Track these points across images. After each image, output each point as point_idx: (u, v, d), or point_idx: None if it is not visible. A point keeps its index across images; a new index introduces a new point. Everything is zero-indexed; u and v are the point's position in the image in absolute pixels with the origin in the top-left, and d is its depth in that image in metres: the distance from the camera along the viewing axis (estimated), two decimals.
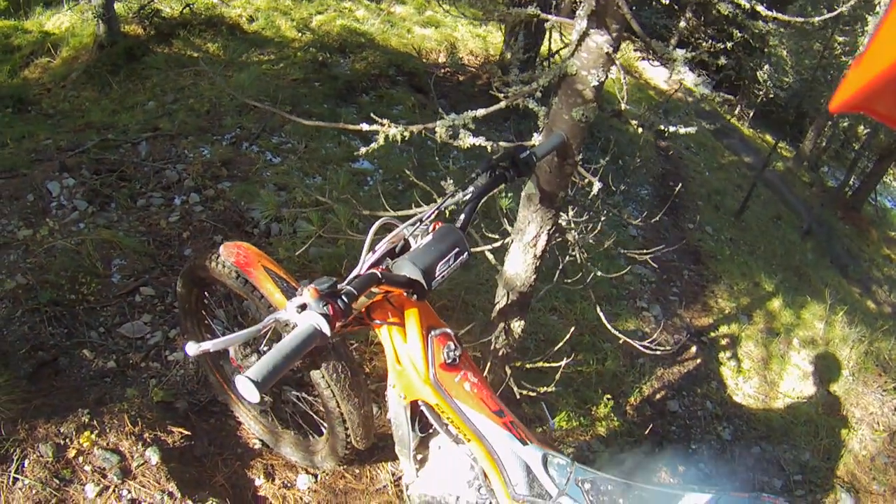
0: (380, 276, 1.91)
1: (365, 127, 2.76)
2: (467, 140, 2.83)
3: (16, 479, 3.17)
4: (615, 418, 5.11)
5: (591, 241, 3.65)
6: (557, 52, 9.06)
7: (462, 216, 2.31)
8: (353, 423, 3.03)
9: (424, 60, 10.27)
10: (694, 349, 6.56)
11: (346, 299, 1.77)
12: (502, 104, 2.85)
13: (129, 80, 7.78)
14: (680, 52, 2.57)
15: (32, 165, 5.60)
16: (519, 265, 3.35)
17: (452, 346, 2.21)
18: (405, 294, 2.09)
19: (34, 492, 3.13)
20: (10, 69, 7.99)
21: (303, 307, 1.72)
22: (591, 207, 3.53)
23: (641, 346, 3.71)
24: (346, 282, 1.89)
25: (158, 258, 4.88)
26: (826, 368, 7.02)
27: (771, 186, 15.83)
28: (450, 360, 2.21)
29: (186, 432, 3.60)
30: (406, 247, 2.23)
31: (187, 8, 9.28)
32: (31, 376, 3.77)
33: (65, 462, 3.27)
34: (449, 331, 2.21)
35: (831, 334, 7.71)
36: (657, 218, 4.44)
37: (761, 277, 8.64)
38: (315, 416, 3.50)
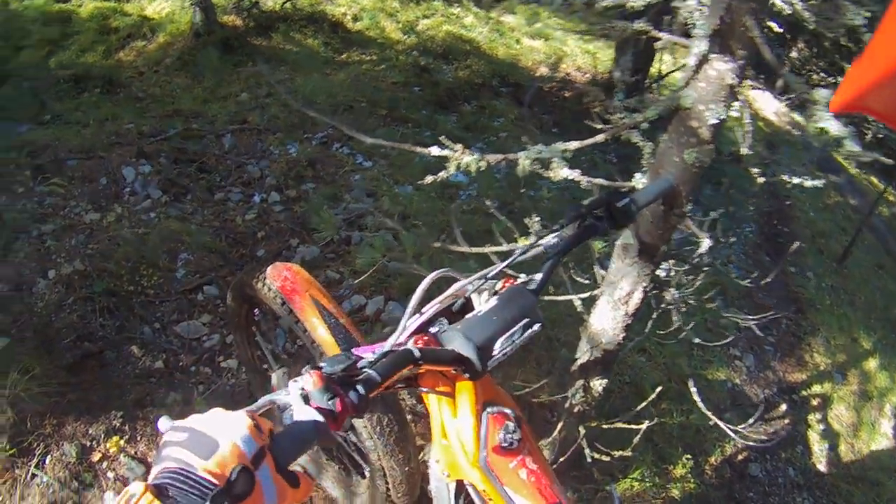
0: (417, 354, 1.49)
1: (435, 151, 2.40)
2: (560, 172, 2.40)
3: (34, 475, 3.02)
4: (692, 479, 4.68)
5: (691, 300, 3.22)
6: (668, 74, 8.72)
7: (539, 275, 1.85)
8: (394, 479, 2.72)
9: (530, 73, 9.92)
10: (784, 407, 6.02)
11: (362, 390, 1.37)
12: (600, 137, 2.40)
13: (223, 70, 7.64)
14: (823, 94, 2.08)
15: (111, 148, 5.48)
16: (607, 321, 2.94)
17: (511, 428, 1.77)
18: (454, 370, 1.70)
19: (51, 490, 2.99)
20: (105, 50, 7.91)
21: (305, 397, 1.33)
22: (694, 262, 3.07)
23: (737, 432, 3.28)
24: (376, 355, 1.48)
25: (228, 256, 4.67)
26: None
27: (876, 232, 14.93)
28: (506, 444, 1.78)
29: None
30: (468, 306, 1.83)
31: (289, 2, 9.12)
32: (73, 367, 3.60)
33: (87, 465, 3.11)
34: (509, 410, 1.75)
35: None
36: (769, 278, 3.95)
37: (859, 333, 7.98)
38: (358, 457, 3.20)
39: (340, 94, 7.48)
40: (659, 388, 3.79)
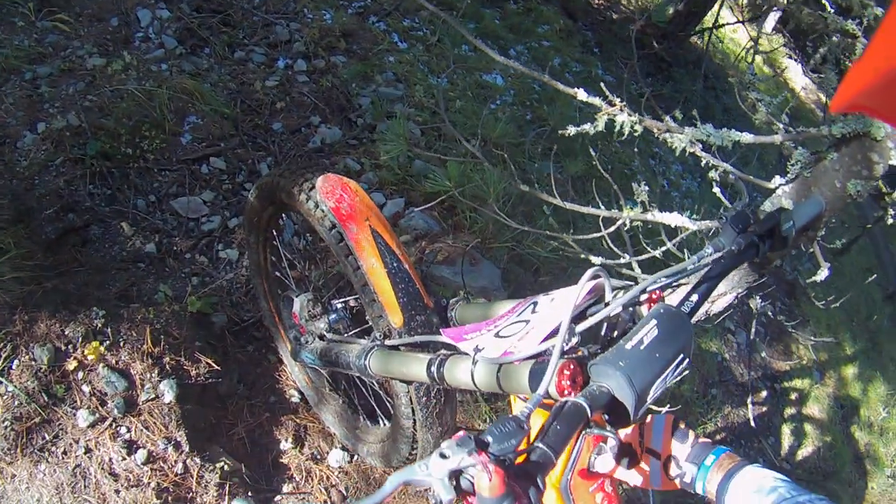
0: (587, 408, 1.15)
1: (582, 96, 1.95)
2: (692, 147, 1.99)
3: None
4: None
5: (769, 312, 2.89)
6: (722, 25, 8.11)
7: (693, 297, 1.52)
8: (424, 450, 2.33)
9: None
10: (764, 394, 5.94)
11: (540, 474, 1.00)
12: (777, 138, 2.06)
13: None
14: None
15: None
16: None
17: (606, 455, 1.50)
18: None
19: (16, 403, 2.49)
20: None
21: (456, 476, 0.93)
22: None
23: None
24: (532, 407, 1.12)
25: (241, 125, 4.17)
26: (871, 460, 6.50)
27: (870, 235, 14.57)
28: (593, 469, 1.52)
29: (216, 366, 2.91)
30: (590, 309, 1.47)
31: None
32: (52, 244, 3.09)
33: (60, 374, 2.60)
34: (611, 435, 1.36)
35: (889, 424, 7.05)
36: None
37: (844, 336, 7.90)
38: (378, 409, 2.79)
39: None
40: None
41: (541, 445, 1.05)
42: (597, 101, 1.93)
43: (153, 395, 2.68)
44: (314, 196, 2.18)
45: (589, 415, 1.15)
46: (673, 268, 1.54)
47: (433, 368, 1.72)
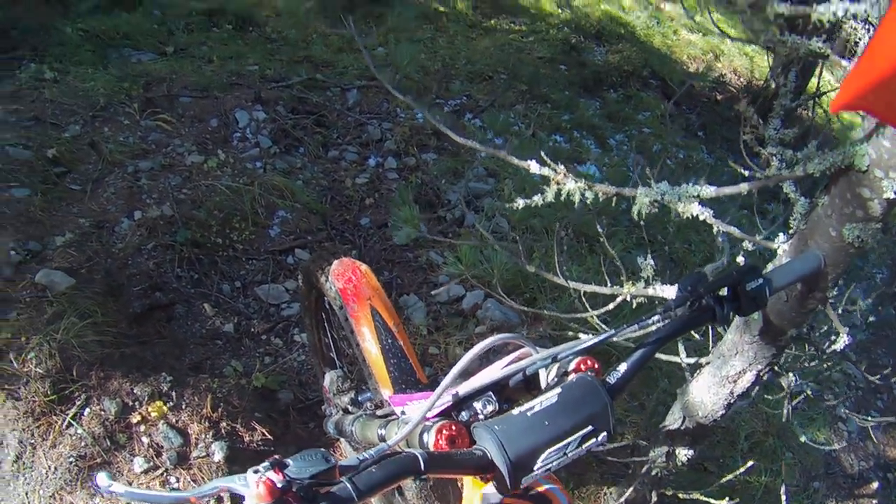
0: (423, 461, 1.15)
1: (534, 168, 1.94)
2: (690, 208, 1.89)
3: (70, 425, 2.86)
4: None
5: (808, 391, 2.72)
6: (825, 93, 7.87)
7: (622, 367, 1.45)
8: None
9: (684, 68, 9.25)
10: (875, 485, 5.34)
11: None
12: (743, 187, 1.85)
13: (364, 21, 7.29)
14: None
15: (228, 89, 5.23)
16: (708, 395, 2.45)
17: None
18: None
19: (83, 444, 2.82)
20: None
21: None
22: (825, 352, 2.52)
23: None
24: (367, 457, 1.14)
25: (330, 220, 4.37)
26: None
27: None
28: None
29: (269, 436, 3.09)
30: (532, 384, 1.46)
31: None
32: (137, 318, 3.39)
33: (125, 425, 2.92)
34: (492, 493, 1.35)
35: None
36: None
37: None
38: None
39: (481, 62, 7.09)
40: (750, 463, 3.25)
41: (345, 482, 1.07)
42: (546, 171, 1.92)
43: (204, 453, 2.92)
44: (329, 277, 2.40)
45: (421, 468, 1.14)
46: (602, 334, 1.44)
47: (368, 430, 1.84)
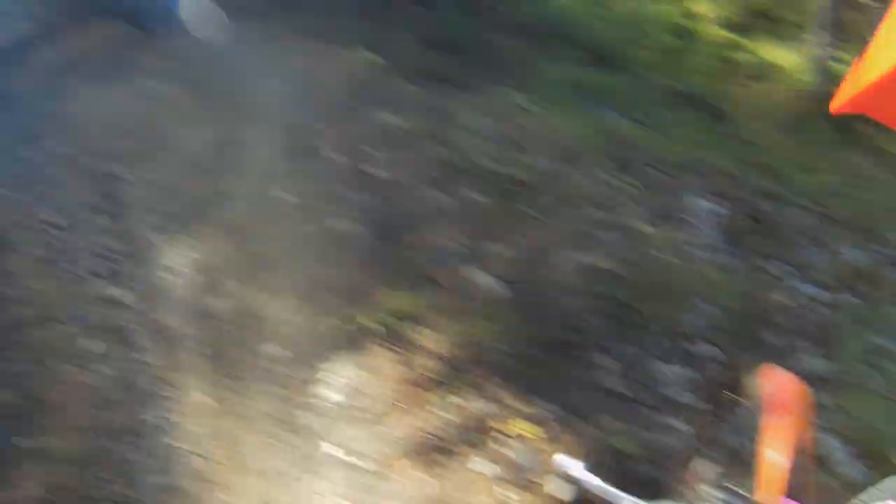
0: None
1: None
2: None
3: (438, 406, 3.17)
4: None
5: None
6: None
7: None
8: None
9: None
10: None
11: None
12: None
13: (829, 144, 7.10)
14: None
15: (691, 174, 5.33)
16: None
17: None
18: None
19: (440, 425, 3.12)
20: (714, 78, 7.62)
21: None
22: None
23: None
24: None
25: (745, 327, 4.31)
26: None
27: None
28: None
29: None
30: None
31: None
32: (544, 346, 3.60)
33: (483, 427, 3.18)
34: None
35: None
36: None
37: None
38: None
39: None
40: None
41: None
42: None
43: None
44: (755, 379, 2.38)
45: None
46: None
47: None
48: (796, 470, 2.18)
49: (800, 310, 4.70)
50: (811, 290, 4.90)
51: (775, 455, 2.19)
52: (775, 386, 2.34)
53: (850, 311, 4.86)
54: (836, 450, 3.92)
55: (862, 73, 0.92)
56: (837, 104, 0.98)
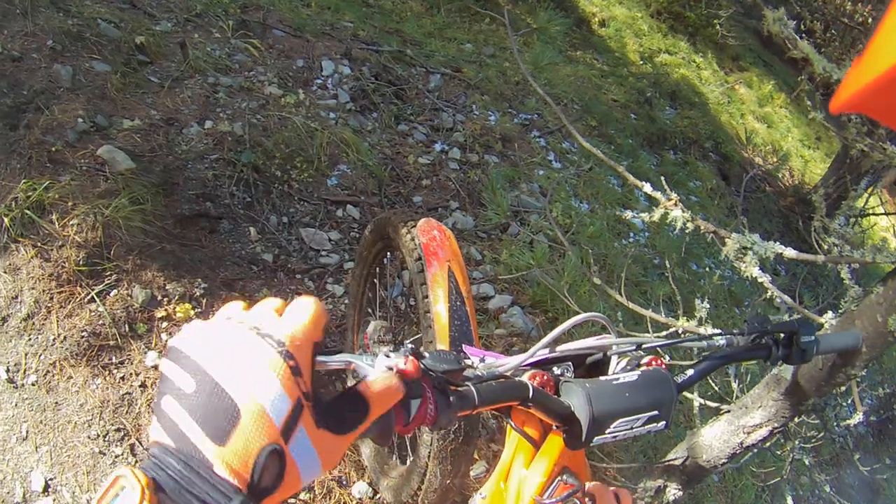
0: (531, 392, 1.24)
1: (648, 189, 2.02)
2: (752, 269, 2.01)
3: (93, 300, 2.88)
4: None
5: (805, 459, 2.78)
6: (870, 213, 8.01)
7: (688, 373, 1.56)
8: (430, 484, 2.44)
9: (744, 154, 9.32)
10: None
11: (455, 405, 1.11)
12: (819, 258, 2.02)
13: (459, 15, 7.39)
14: None
15: (320, 36, 5.26)
16: (717, 440, 2.55)
17: None
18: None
19: (99, 322, 2.84)
20: None
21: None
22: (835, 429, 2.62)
23: None
24: (487, 373, 1.27)
25: (385, 189, 4.36)
26: None
27: None
28: None
29: None
30: (601, 365, 1.52)
31: None
32: (183, 220, 3.42)
33: (148, 317, 2.93)
34: (589, 489, 1.42)
35: None
36: None
37: None
38: (410, 448, 2.86)
39: (558, 89, 7.12)
40: None
41: (471, 386, 1.15)
42: (659, 195, 1.99)
43: None
44: (413, 232, 2.43)
45: (529, 396, 1.23)
46: (681, 338, 1.63)
47: None
48: (459, 319, 2.26)
49: (444, 170, 4.84)
50: (454, 152, 5.05)
51: (438, 306, 2.27)
52: (428, 239, 2.40)
53: (492, 171, 5.08)
54: (496, 298, 4.11)
55: (861, 72, 0.86)
56: (837, 103, 0.91)
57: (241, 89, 4.26)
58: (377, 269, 3.00)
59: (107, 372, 2.78)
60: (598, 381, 1.35)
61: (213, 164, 3.69)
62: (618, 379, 1.36)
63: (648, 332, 2.94)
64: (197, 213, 3.47)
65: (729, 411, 2.55)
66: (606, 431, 1.31)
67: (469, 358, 1.32)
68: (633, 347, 1.48)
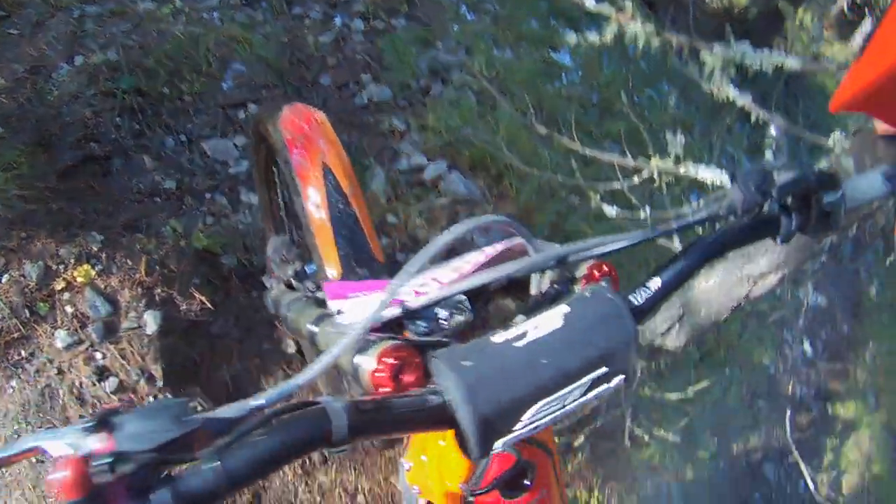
0: (338, 430, 0.76)
1: (589, 3, 1.73)
2: (726, 89, 1.71)
3: None
4: (707, 467, 4.56)
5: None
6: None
7: (653, 283, 1.00)
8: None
9: None
10: (814, 413, 5.65)
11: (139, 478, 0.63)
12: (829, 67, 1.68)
13: None
14: None
15: None
16: (717, 294, 2.33)
17: (517, 480, 1.12)
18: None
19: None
20: None
21: None
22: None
23: None
24: (268, 404, 0.82)
25: (288, 77, 4.14)
26: None
27: None
28: (505, 495, 1.13)
29: (208, 305, 2.92)
30: (520, 282, 1.08)
31: None
32: (68, 171, 3.14)
33: (47, 293, 2.68)
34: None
35: None
36: None
37: None
38: None
39: None
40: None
41: (207, 463, 0.67)
42: (605, 8, 1.71)
43: (136, 325, 2.72)
44: (279, 125, 2.05)
45: (333, 438, 0.75)
46: (632, 233, 1.03)
47: (302, 318, 1.28)
48: (346, 227, 1.89)
49: (349, 44, 4.62)
50: (357, 23, 4.81)
51: (318, 215, 1.92)
52: (293, 132, 2.03)
53: (404, 34, 4.84)
54: (431, 167, 4.01)
55: (861, 73, 0.87)
56: (837, 103, 0.92)
57: (111, 15, 3.94)
58: (273, 171, 2.66)
59: (20, 370, 2.59)
60: (489, 345, 0.84)
61: (91, 101, 3.43)
62: (525, 335, 0.85)
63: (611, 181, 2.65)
64: (83, 158, 3.23)
65: (727, 258, 2.29)
66: (516, 428, 0.83)
67: (339, 300, 0.98)
68: (552, 263, 1.01)
